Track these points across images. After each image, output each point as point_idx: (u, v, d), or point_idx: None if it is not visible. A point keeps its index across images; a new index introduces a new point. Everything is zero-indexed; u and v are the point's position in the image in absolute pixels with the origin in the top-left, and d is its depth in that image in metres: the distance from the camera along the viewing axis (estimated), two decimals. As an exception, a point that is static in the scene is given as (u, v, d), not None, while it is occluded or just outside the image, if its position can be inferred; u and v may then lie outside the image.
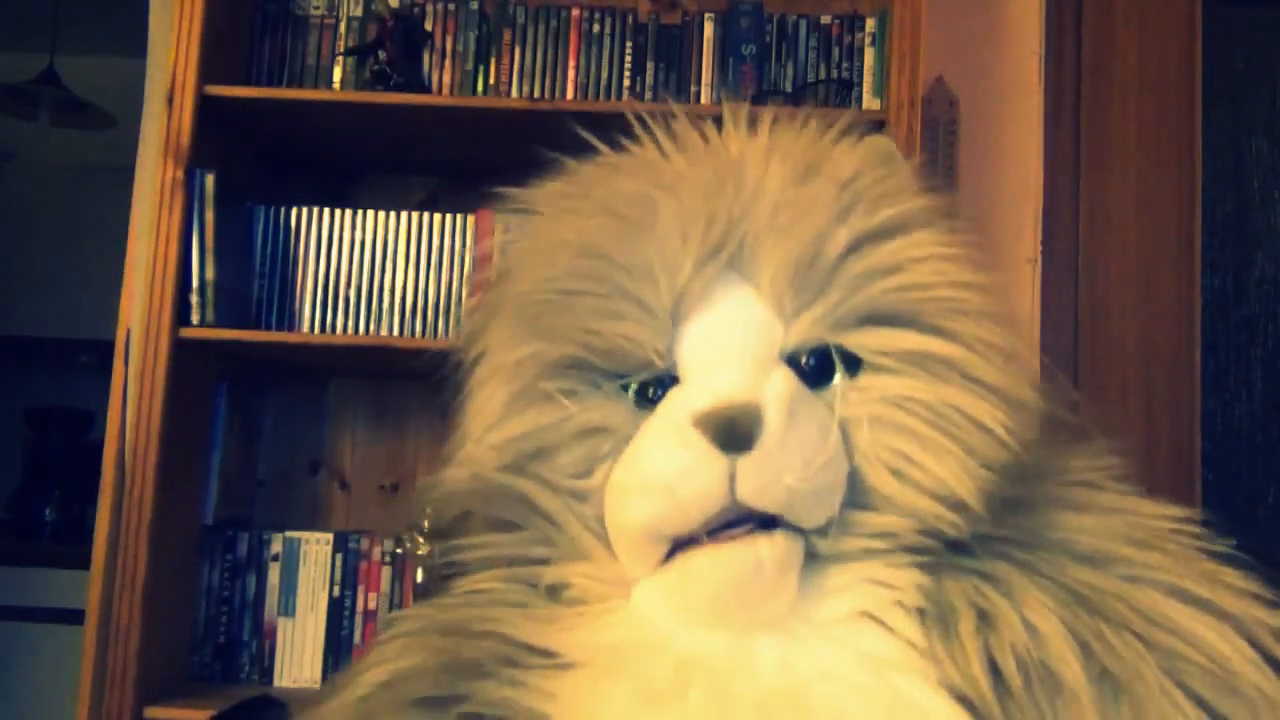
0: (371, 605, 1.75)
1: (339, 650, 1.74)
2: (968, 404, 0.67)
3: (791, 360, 0.69)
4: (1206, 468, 1.96)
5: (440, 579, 0.78)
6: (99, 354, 2.13)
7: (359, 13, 1.89)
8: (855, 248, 0.70)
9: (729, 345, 0.69)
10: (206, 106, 1.65)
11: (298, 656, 1.74)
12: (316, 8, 1.90)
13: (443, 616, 0.72)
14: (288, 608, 1.75)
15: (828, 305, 0.69)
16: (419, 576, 1.68)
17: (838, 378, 0.69)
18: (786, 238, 0.69)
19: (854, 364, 0.70)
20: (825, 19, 1.88)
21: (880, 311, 0.69)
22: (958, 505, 0.66)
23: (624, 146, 0.79)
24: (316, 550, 1.76)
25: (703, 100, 1.86)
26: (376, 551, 1.76)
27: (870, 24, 1.86)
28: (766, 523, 0.66)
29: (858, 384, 0.69)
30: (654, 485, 0.66)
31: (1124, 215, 1.98)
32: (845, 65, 1.86)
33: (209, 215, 1.64)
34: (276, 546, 1.76)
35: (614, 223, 0.71)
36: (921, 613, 0.66)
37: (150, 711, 1.55)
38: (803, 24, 1.88)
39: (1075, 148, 2.00)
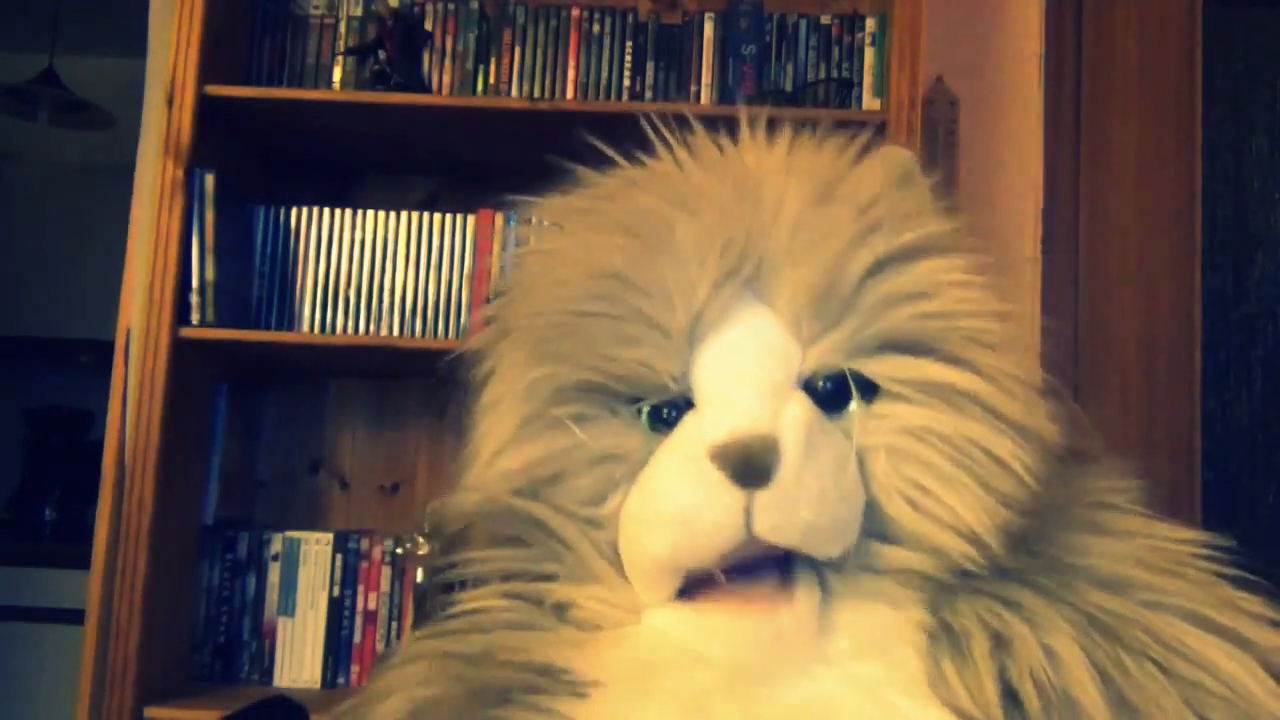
0: (371, 605, 1.75)
1: (339, 650, 1.74)
2: (987, 439, 0.66)
3: (808, 384, 0.68)
4: (1206, 468, 1.96)
5: (439, 591, 0.77)
6: (99, 354, 2.13)
7: (359, 13, 1.89)
8: (876, 272, 0.68)
9: (745, 370, 0.67)
10: (206, 106, 1.65)
11: (298, 656, 1.74)
12: (316, 8, 1.90)
13: (455, 644, 0.71)
14: (288, 608, 1.75)
15: (847, 331, 0.68)
16: (419, 576, 1.68)
17: (854, 404, 0.68)
18: (806, 261, 0.68)
19: (871, 390, 0.68)
20: (825, 19, 1.88)
21: (901, 338, 0.68)
22: (975, 540, 0.65)
23: (637, 155, 0.78)
24: (316, 550, 1.76)
25: (703, 100, 1.86)
26: (376, 551, 1.76)
27: (870, 24, 1.86)
28: (783, 557, 0.65)
29: (875, 411, 0.68)
30: (669, 519, 0.65)
31: (1124, 215, 1.98)
32: (845, 65, 1.86)
33: (209, 215, 1.64)
34: (276, 546, 1.76)
35: (629, 241, 0.70)
36: (934, 636, 0.65)
37: (150, 711, 1.55)
38: (803, 24, 1.88)
39: (1075, 148, 2.00)
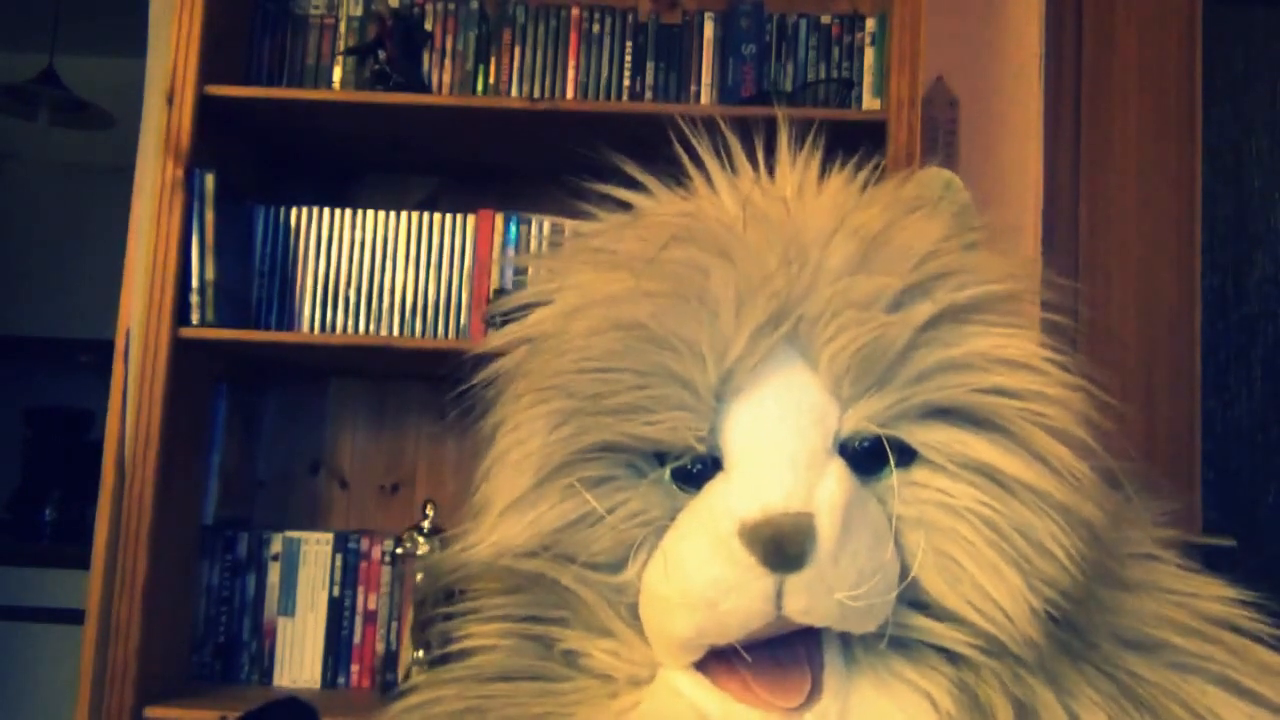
0: (371, 605, 1.75)
1: (339, 650, 1.74)
2: (1031, 524, 0.63)
3: (843, 446, 0.65)
4: (1206, 468, 1.96)
5: (440, 626, 0.75)
6: (99, 354, 2.13)
7: (359, 13, 1.89)
8: (925, 335, 0.65)
9: (780, 435, 0.63)
10: (206, 106, 1.65)
11: (297, 656, 1.74)
12: (316, 7, 1.90)
13: (478, 701, 0.68)
14: (288, 608, 1.75)
15: (893, 395, 0.64)
16: (419, 577, 1.68)
17: (892, 471, 0.64)
18: (851, 322, 0.64)
19: (908, 453, 0.65)
20: (825, 19, 1.88)
21: (948, 407, 0.65)
22: (1010, 626, 0.62)
23: (669, 177, 0.73)
24: (316, 550, 1.76)
25: (703, 100, 1.86)
26: (376, 551, 1.76)
27: (870, 24, 1.86)
28: (808, 631, 0.63)
29: (913, 478, 0.65)
30: (695, 600, 0.61)
31: (1124, 215, 1.98)
32: (845, 65, 1.86)
33: (209, 215, 1.64)
34: (276, 546, 1.76)
35: (657, 289, 0.65)
36: (957, 713, 0.62)
37: (150, 711, 1.55)
38: (803, 24, 1.88)
39: (1075, 148, 2.00)
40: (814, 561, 0.60)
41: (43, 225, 3.49)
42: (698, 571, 0.62)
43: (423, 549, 1.68)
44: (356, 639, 1.74)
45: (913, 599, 0.64)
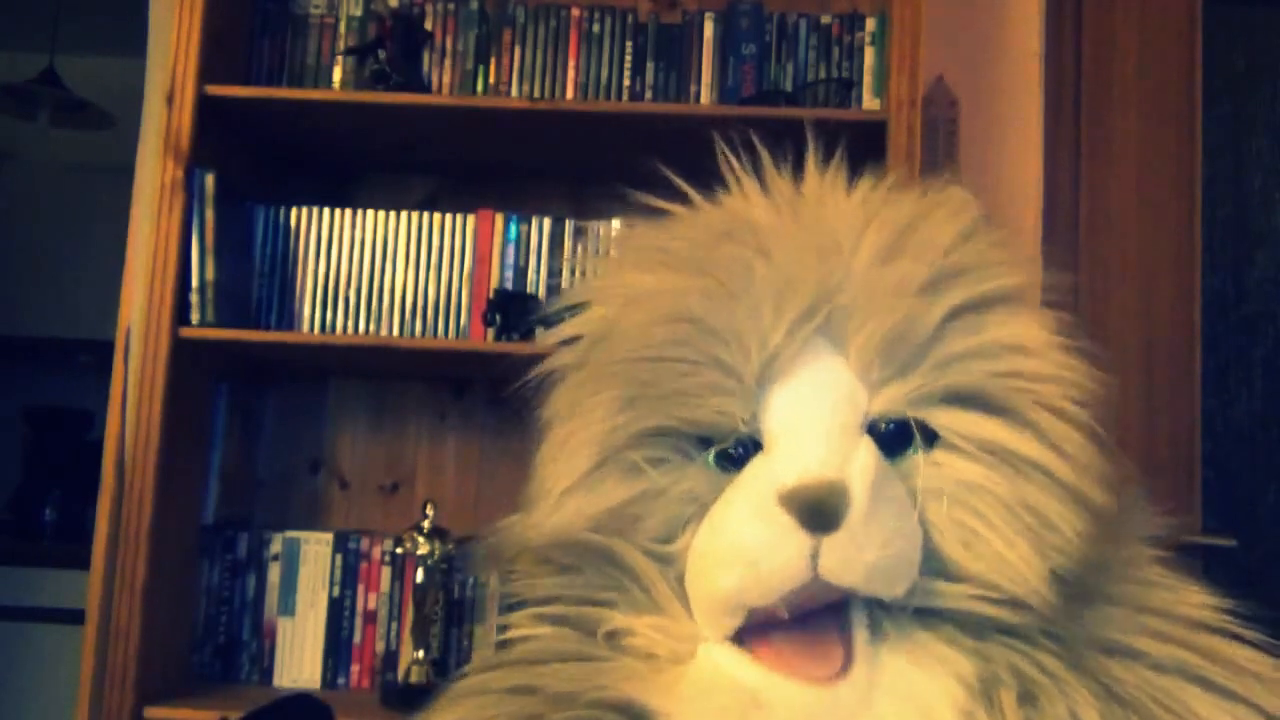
0: (371, 605, 1.75)
1: (339, 650, 1.74)
2: (1041, 503, 0.68)
3: (871, 426, 0.70)
4: (1206, 468, 1.96)
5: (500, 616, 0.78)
6: (99, 354, 2.13)
7: (359, 13, 1.89)
8: (950, 323, 0.70)
9: (815, 414, 0.69)
10: (206, 106, 1.65)
11: (298, 656, 1.74)
12: (316, 7, 1.90)
13: (525, 678, 0.72)
14: (288, 608, 1.75)
15: (917, 380, 0.70)
16: (419, 577, 1.68)
17: (916, 451, 0.70)
18: (879, 310, 0.70)
19: (931, 435, 0.70)
20: (825, 19, 1.88)
21: (967, 392, 0.70)
22: (1028, 583, 0.67)
23: (709, 183, 0.79)
24: (316, 550, 1.76)
25: (703, 100, 1.86)
26: (376, 551, 1.76)
27: (870, 24, 1.86)
28: (838, 607, 0.67)
29: (934, 458, 0.70)
30: (737, 558, 0.67)
31: (1124, 215, 1.98)
32: (845, 65, 1.86)
33: (209, 215, 1.64)
34: (276, 546, 1.76)
35: (708, 286, 0.71)
36: (972, 690, 0.66)
37: (150, 711, 1.55)
38: (803, 23, 1.88)
39: (1075, 148, 2.00)
40: (847, 523, 0.65)
41: (43, 225, 3.48)
42: (740, 532, 0.67)
43: (423, 549, 1.68)
44: (356, 639, 1.74)
45: (935, 569, 0.69)
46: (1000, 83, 1.95)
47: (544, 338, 0.82)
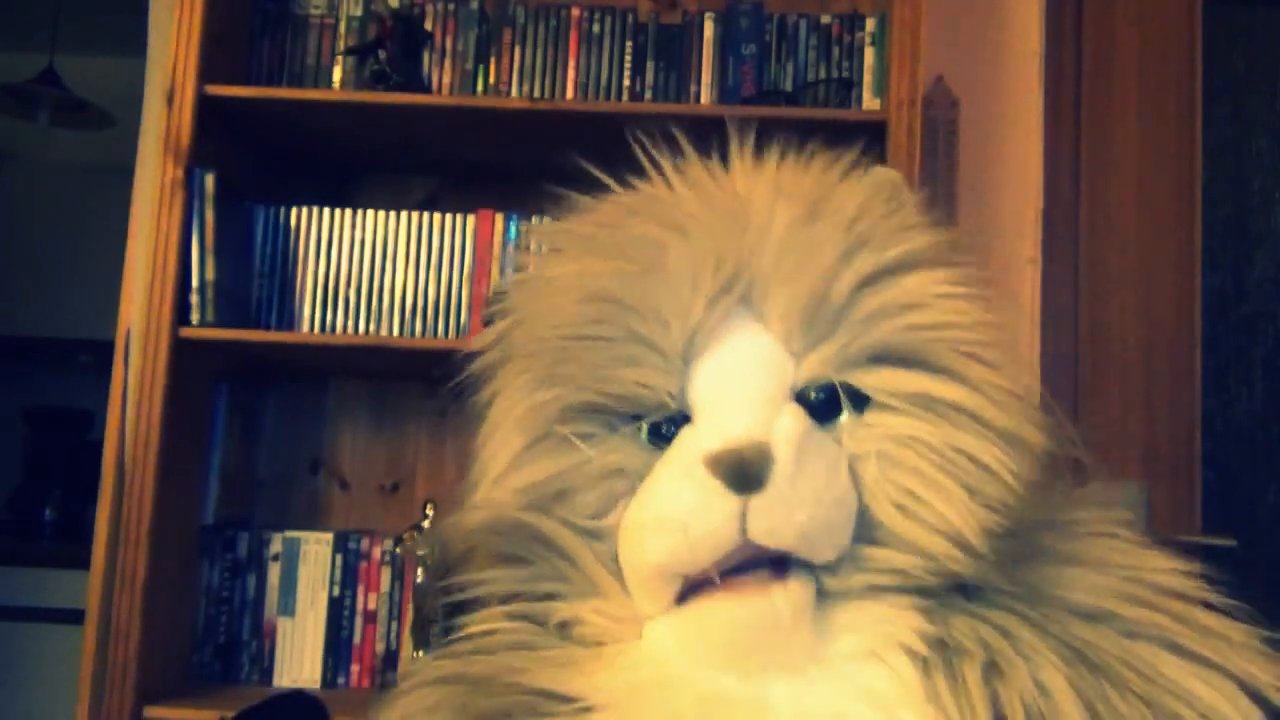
0: (371, 605, 1.75)
1: (339, 650, 1.74)
2: (973, 446, 0.68)
3: (800, 396, 0.70)
4: (1206, 468, 1.96)
5: (447, 615, 0.78)
6: (99, 354, 2.13)
7: (359, 13, 1.89)
8: (863, 287, 0.71)
9: (740, 384, 0.69)
10: (206, 106, 1.65)
11: (298, 656, 1.74)
12: (316, 8, 1.90)
13: (460, 667, 0.72)
14: (288, 608, 1.75)
15: (837, 344, 0.70)
16: (419, 576, 1.68)
17: (845, 415, 0.70)
18: (795, 278, 0.70)
19: (861, 401, 0.70)
20: (825, 19, 1.88)
21: (890, 350, 0.70)
22: (962, 543, 0.67)
23: (629, 177, 0.80)
24: (316, 550, 1.76)
25: (703, 100, 1.86)
26: (376, 551, 1.76)
27: (870, 24, 1.86)
28: (778, 561, 0.67)
29: (864, 420, 0.70)
30: (666, 525, 0.67)
31: (1124, 215, 1.99)
32: (845, 65, 1.86)
33: (209, 215, 1.64)
34: (276, 546, 1.76)
35: (625, 265, 0.72)
36: (928, 654, 0.66)
37: (150, 711, 1.55)
38: (803, 24, 1.88)
39: (1075, 148, 2.00)
40: (773, 482, 0.65)
41: (43, 225, 3.48)
42: (668, 499, 0.67)
43: (423, 549, 1.68)
44: (356, 639, 1.74)
45: (872, 537, 0.68)
46: (1000, 83, 1.95)
47: (480, 336, 0.83)
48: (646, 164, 0.80)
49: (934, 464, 0.68)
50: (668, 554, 0.67)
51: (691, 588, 0.68)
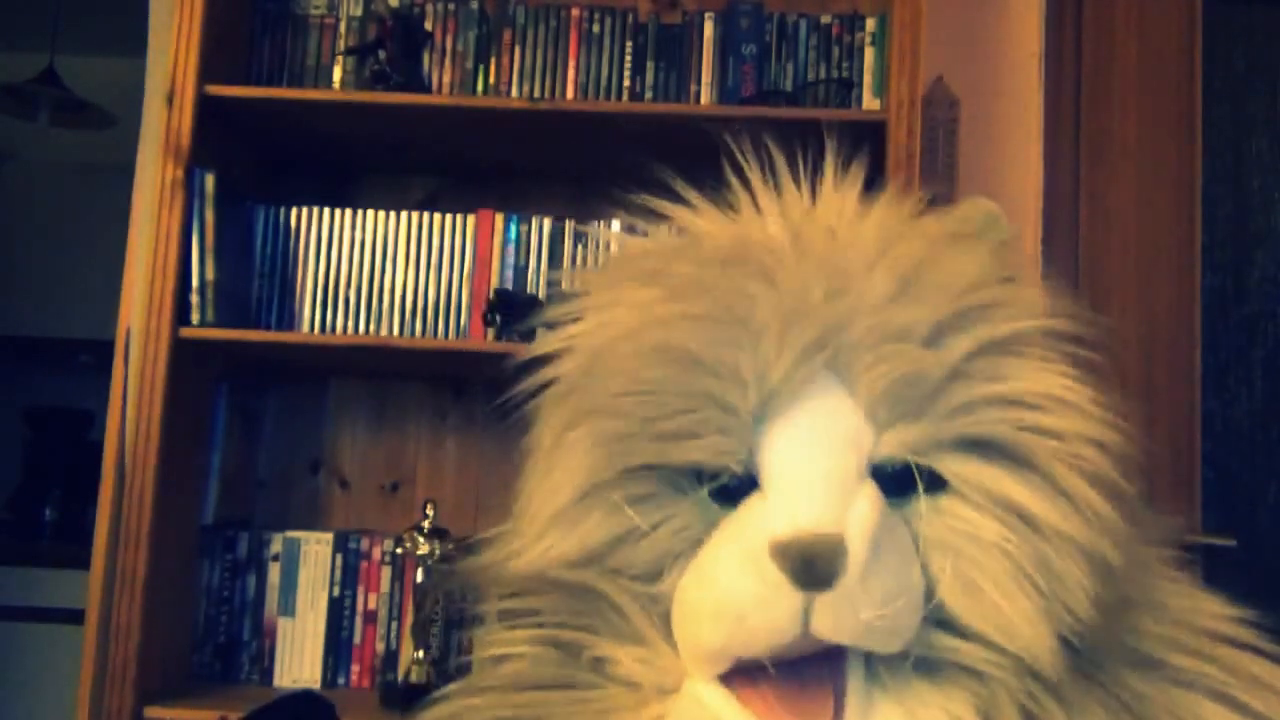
0: (371, 605, 1.75)
1: (339, 650, 1.74)
2: (1056, 565, 0.64)
3: (877, 470, 0.66)
4: (1206, 468, 1.96)
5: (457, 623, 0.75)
6: (99, 354, 2.13)
7: (359, 13, 1.89)
8: (966, 368, 0.66)
9: (816, 457, 0.65)
10: (206, 106, 1.65)
11: (298, 656, 1.74)
12: (316, 8, 1.90)
13: (497, 707, 0.69)
14: (288, 608, 1.75)
15: (928, 425, 0.66)
16: (419, 576, 1.68)
17: (921, 497, 0.66)
18: (890, 351, 0.66)
19: (939, 482, 0.66)
20: (825, 19, 1.88)
21: (982, 440, 0.66)
22: (1029, 651, 0.64)
23: (713, 192, 0.75)
24: (316, 550, 1.76)
25: (703, 100, 1.86)
26: (376, 551, 1.76)
27: (870, 24, 1.86)
28: (837, 648, 0.64)
29: (941, 505, 0.66)
30: (725, 613, 0.63)
31: (1124, 215, 1.98)
32: (845, 65, 1.86)
33: (209, 215, 1.64)
34: (276, 546, 1.76)
35: (702, 314, 0.67)
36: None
37: (150, 711, 1.55)
38: (803, 24, 1.88)
39: (1075, 148, 2.00)
40: (843, 582, 0.61)
41: (43, 225, 3.48)
42: (728, 585, 0.63)
43: (423, 549, 1.68)
44: (356, 639, 1.74)
45: (937, 619, 0.65)
46: (1000, 83, 1.95)
47: (537, 344, 0.77)
48: (739, 188, 0.74)
49: (1009, 573, 0.64)
50: (723, 641, 0.63)
51: (742, 667, 0.64)
